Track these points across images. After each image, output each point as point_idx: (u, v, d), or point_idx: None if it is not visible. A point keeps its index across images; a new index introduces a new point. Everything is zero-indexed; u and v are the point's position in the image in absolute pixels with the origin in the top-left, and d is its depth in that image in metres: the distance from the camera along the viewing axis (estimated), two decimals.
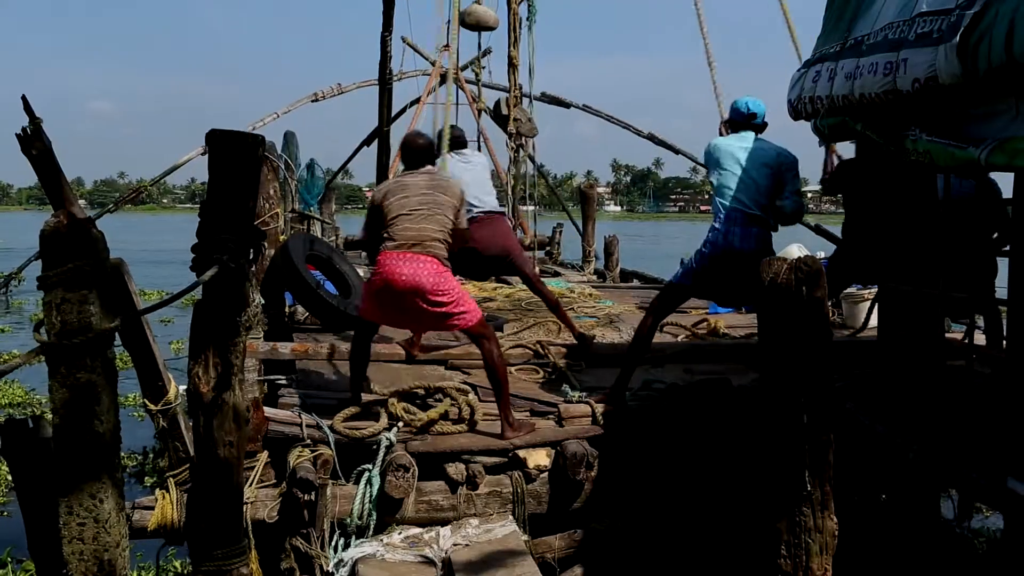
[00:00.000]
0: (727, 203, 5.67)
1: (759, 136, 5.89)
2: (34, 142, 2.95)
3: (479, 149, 15.85)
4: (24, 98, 2.95)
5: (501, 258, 7.42)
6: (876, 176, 5.61)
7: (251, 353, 6.12)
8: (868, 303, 8.27)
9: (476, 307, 5.51)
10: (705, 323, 8.50)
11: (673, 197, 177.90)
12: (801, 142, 6.63)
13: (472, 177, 7.51)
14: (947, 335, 6.04)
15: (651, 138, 18.30)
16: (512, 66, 13.14)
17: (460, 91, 18.17)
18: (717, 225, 5.69)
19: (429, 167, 5.75)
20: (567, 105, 19.72)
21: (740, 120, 5.95)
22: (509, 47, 13.31)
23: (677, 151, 17.65)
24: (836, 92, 5.05)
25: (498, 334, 7.82)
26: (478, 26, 14.37)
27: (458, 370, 6.78)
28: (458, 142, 8.16)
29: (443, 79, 20.87)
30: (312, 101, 19.42)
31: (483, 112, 16.08)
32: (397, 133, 17.72)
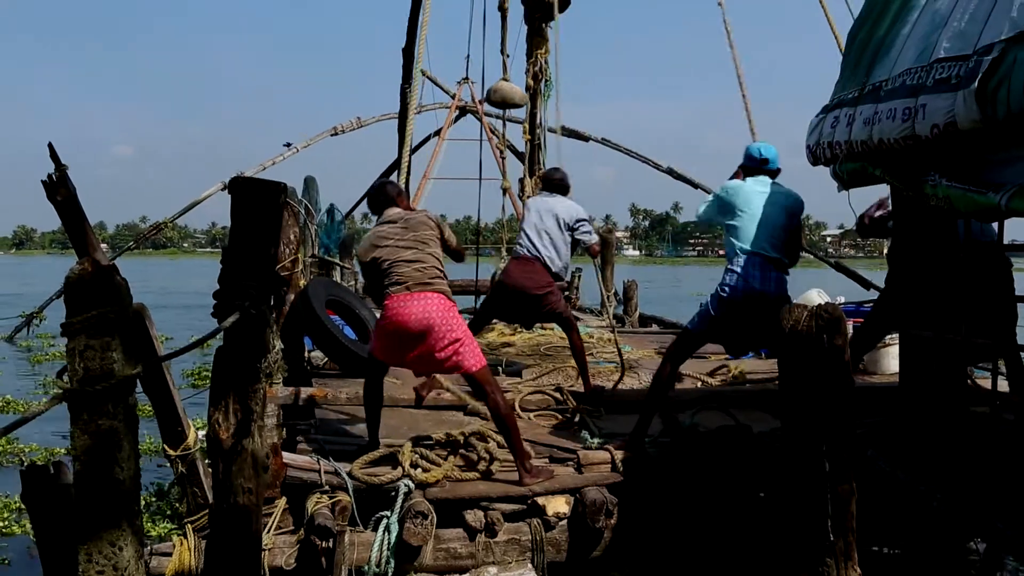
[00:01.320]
0: (746, 246, 5.66)
1: (774, 181, 5.91)
2: (59, 189, 2.99)
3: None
4: (51, 145, 2.99)
5: (536, 299, 7.33)
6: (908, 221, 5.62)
7: (270, 398, 6.11)
8: (889, 348, 8.22)
9: (481, 355, 5.54)
10: (725, 369, 8.45)
11: (692, 241, 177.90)
12: (817, 186, 6.64)
13: (541, 222, 7.43)
14: (970, 381, 5.99)
15: (670, 172, 18.36)
16: (534, 146, 13.34)
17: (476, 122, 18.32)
18: (736, 268, 5.66)
19: (394, 210, 5.82)
20: (586, 138, 19.82)
21: (753, 165, 5.98)
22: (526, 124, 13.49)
23: (696, 185, 17.70)
24: (855, 137, 5.05)
25: (517, 380, 7.83)
26: (504, 103, 13.98)
27: (477, 415, 6.75)
28: (549, 182, 7.91)
29: (462, 112, 21.01)
30: (332, 135, 19.55)
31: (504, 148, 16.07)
32: (418, 164, 17.86)
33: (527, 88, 13.45)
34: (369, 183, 21.41)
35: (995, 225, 5.87)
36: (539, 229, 7.36)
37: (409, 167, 16.13)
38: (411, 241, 5.54)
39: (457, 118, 21.35)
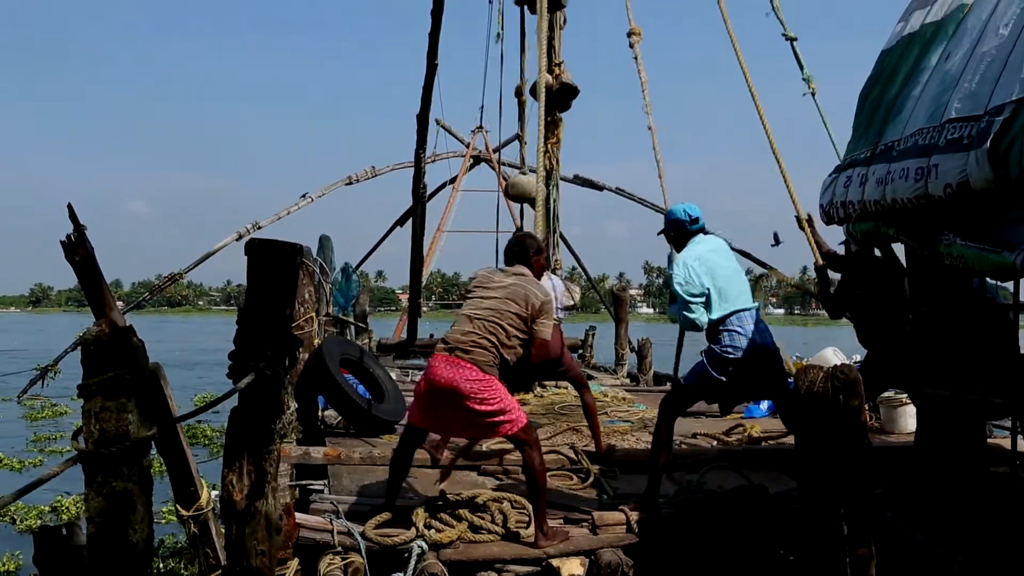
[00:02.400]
0: (737, 305, 5.61)
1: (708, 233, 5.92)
2: (78, 249, 3.01)
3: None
4: (70, 206, 3.03)
5: (554, 361, 7.37)
6: (902, 278, 5.61)
7: (284, 458, 6.10)
8: (906, 407, 8.17)
9: (522, 414, 5.44)
10: (740, 428, 8.39)
11: None
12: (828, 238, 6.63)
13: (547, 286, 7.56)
14: (989, 440, 5.93)
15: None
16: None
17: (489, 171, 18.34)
18: (736, 328, 5.58)
19: (521, 267, 5.74)
20: (600, 188, 19.92)
21: (685, 228, 5.91)
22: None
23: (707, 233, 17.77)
24: (868, 197, 5.07)
25: None
26: (522, 198, 13.67)
27: (491, 476, 6.71)
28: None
29: (476, 160, 21.12)
30: (346, 184, 19.67)
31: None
32: (432, 212, 17.95)
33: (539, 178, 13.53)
34: (382, 231, 21.52)
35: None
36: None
37: (424, 217, 16.18)
38: (491, 304, 5.46)
39: (471, 166, 21.48)
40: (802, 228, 6.95)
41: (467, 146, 21.36)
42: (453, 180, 22.12)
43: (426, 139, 12.55)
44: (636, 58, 12.66)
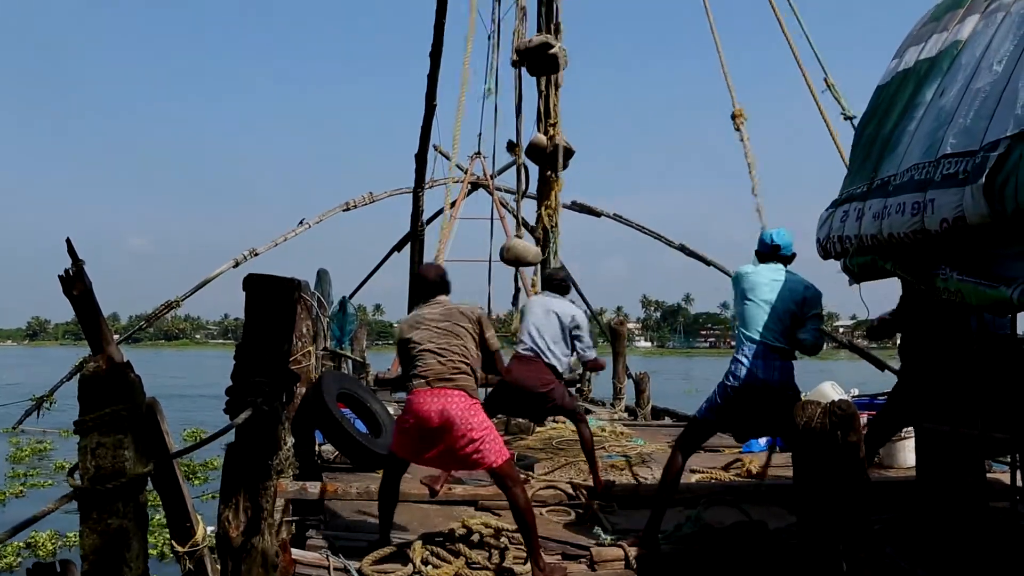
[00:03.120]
0: (752, 334, 5.67)
1: (787, 268, 5.93)
2: (76, 284, 3.01)
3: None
4: (68, 241, 3.03)
5: (540, 396, 7.36)
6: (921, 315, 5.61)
7: (280, 493, 6.07)
8: (905, 442, 8.14)
9: (504, 448, 5.45)
10: (739, 463, 8.36)
11: (703, 333, 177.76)
12: (829, 277, 6.66)
13: (543, 321, 7.53)
14: (988, 475, 5.90)
15: (682, 248, 18.42)
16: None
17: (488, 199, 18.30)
18: (741, 358, 5.67)
19: (442, 297, 5.78)
20: (598, 214, 19.90)
21: (766, 252, 6.00)
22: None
23: (708, 262, 17.75)
24: (864, 232, 5.08)
25: (529, 474, 7.75)
26: (517, 262, 12.88)
27: (488, 511, 6.67)
28: (551, 282, 8.02)
29: (473, 187, 21.06)
30: (344, 210, 19.57)
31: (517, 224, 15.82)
32: (430, 238, 17.87)
33: (537, 242, 13.41)
34: (380, 256, 21.41)
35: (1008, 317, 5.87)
36: (541, 328, 7.45)
37: (422, 253, 16.12)
38: (445, 330, 5.51)
39: (469, 192, 21.43)
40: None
41: (465, 172, 21.30)
42: (451, 205, 22.08)
43: (424, 178, 12.62)
44: (743, 139, 11.99)
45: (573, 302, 7.91)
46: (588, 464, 7.41)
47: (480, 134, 19.53)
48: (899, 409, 6.39)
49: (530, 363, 7.36)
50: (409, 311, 5.91)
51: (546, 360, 7.39)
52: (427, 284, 5.82)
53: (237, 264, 16.65)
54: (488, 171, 19.81)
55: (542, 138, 11.82)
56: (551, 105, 12.64)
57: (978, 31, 4.75)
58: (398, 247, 20.52)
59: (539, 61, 12.16)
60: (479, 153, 21.39)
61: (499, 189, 18.77)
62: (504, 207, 18.26)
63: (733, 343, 6.06)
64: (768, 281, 5.80)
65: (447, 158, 21.30)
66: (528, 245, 12.27)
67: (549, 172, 12.68)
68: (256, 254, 17.12)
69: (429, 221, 18.68)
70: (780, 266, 5.92)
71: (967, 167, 4.20)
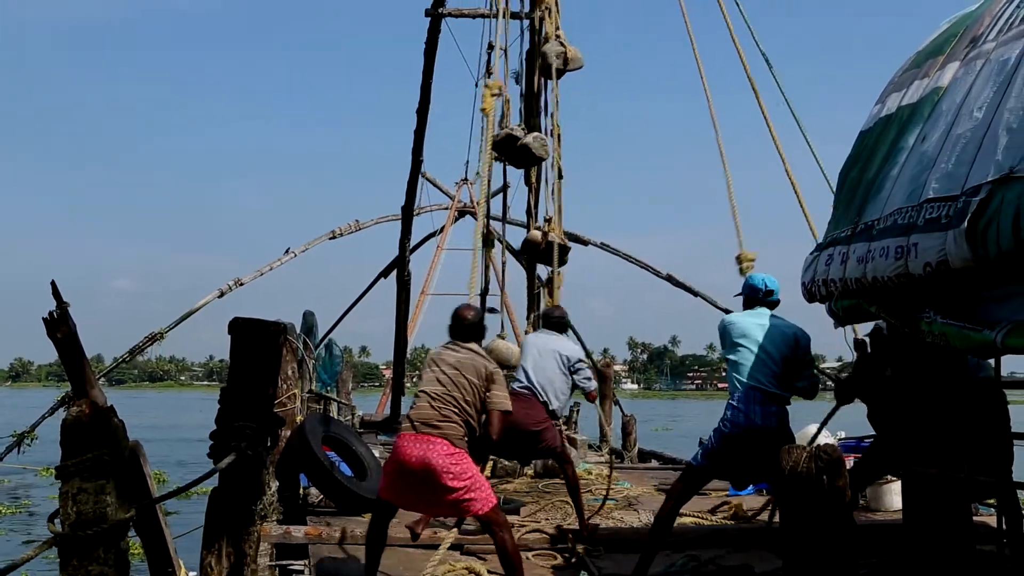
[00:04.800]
0: (745, 380, 5.68)
1: (774, 313, 5.96)
2: (60, 326, 3.00)
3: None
4: (53, 283, 3.02)
5: (532, 435, 7.31)
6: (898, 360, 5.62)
7: (264, 537, 6.01)
8: (891, 485, 8.13)
9: (491, 494, 5.42)
10: (726, 506, 8.32)
11: (690, 375, 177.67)
12: (814, 319, 6.69)
13: (540, 359, 7.50)
14: (975, 518, 5.89)
15: (669, 279, 18.43)
16: None
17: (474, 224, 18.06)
18: (736, 403, 5.68)
19: (472, 344, 5.76)
20: (585, 243, 19.87)
21: (755, 297, 6.03)
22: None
23: (695, 293, 17.76)
24: (849, 275, 5.10)
25: (515, 517, 7.70)
26: (499, 365, 12.35)
27: (474, 555, 6.62)
28: (548, 320, 8.01)
29: (461, 213, 20.94)
30: (330, 239, 19.43)
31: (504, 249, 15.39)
32: (415, 267, 17.72)
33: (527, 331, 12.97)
34: (366, 282, 21.20)
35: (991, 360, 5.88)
36: (538, 366, 7.41)
37: (407, 303, 16.00)
38: (451, 379, 5.48)
39: (457, 219, 21.35)
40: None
41: (452, 199, 21.15)
42: (436, 233, 21.93)
43: (411, 231, 12.51)
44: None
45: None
46: (574, 507, 7.37)
47: (468, 161, 19.57)
48: (884, 454, 6.38)
49: (525, 401, 7.31)
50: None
51: (541, 399, 7.36)
52: (461, 326, 5.81)
53: (222, 294, 16.46)
54: (476, 198, 19.78)
55: (537, 234, 10.80)
56: (552, 197, 11.30)
57: (958, 78, 4.82)
58: (384, 273, 20.35)
59: (515, 154, 11.06)
60: (466, 179, 21.35)
61: (491, 218, 18.56)
62: (494, 235, 17.94)
63: (720, 385, 6.09)
64: (758, 327, 5.83)
65: (434, 184, 21.19)
66: (511, 347, 11.51)
67: (552, 272, 11.36)
68: (241, 284, 16.91)
69: (414, 249, 18.54)
70: (766, 311, 5.96)
71: (949, 211, 4.24)
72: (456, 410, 5.40)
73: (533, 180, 12.51)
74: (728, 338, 5.88)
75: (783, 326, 5.87)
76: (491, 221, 17.81)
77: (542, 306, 12.17)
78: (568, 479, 7.43)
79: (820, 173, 9.54)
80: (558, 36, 10.83)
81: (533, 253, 11.11)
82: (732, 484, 6.50)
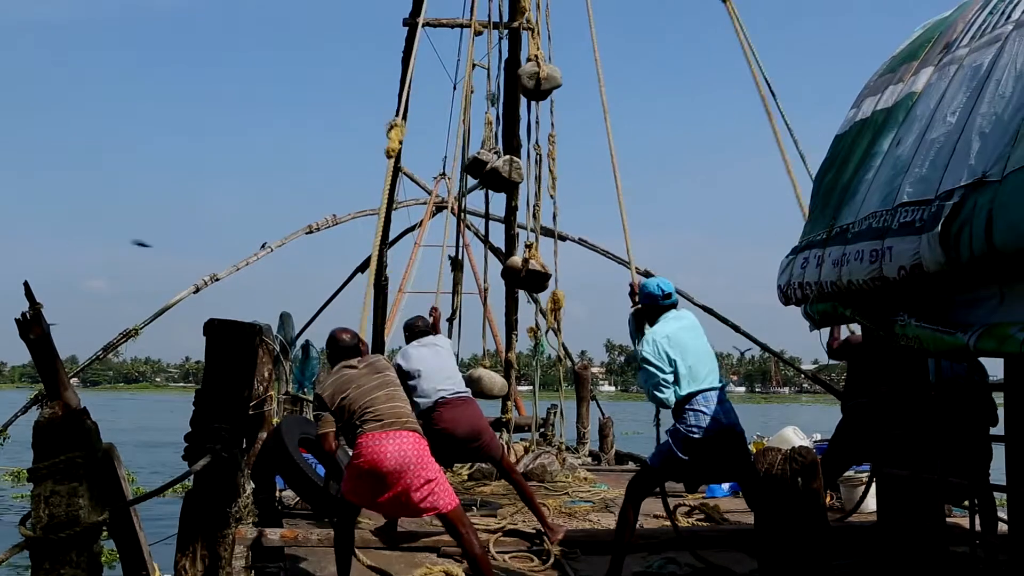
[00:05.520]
0: (703, 385, 5.70)
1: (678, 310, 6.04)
2: (33, 327, 2.97)
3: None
4: (26, 284, 2.99)
5: (470, 440, 7.31)
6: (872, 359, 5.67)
7: (239, 540, 5.98)
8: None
9: (453, 493, 5.50)
10: (703, 507, 8.35)
11: None
12: (791, 322, 6.75)
13: (439, 363, 7.54)
14: (948, 520, 5.94)
15: (647, 276, 18.46)
16: None
17: (454, 227, 17.89)
18: (699, 408, 5.65)
19: (356, 359, 5.84)
20: (563, 238, 19.83)
21: (657, 303, 6.04)
22: None
23: (675, 290, 17.75)
24: (824, 278, 5.13)
25: (492, 519, 7.70)
26: (482, 395, 11.08)
27: (450, 557, 6.60)
28: (415, 331, 7.97)
29: (438, 208, 20.77)
30: (307, 233, 19.21)
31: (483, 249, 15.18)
32: (392, 263, 17.58)
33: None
34: (344, 277, 21.05)
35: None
36: (444, 367, 7.46)
37: (384, 268, 15.86)
38: (381, 380, 5.60)
39: (433, 214, 21.21)
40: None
41: (430, 193, 20.95)
42: (414, 228, 21.77)
43: (388, 236, 12.24)
44: None
45: None
46: (532, 509, 7.27)
47: (445, 157, 19.45)
48: (847, 447, 6.44)
49: (455, 406, 7.35)
50: (333, 365, 5.87)
51: (462, 394, 7.47)
52: (343, 348, 5.90)
53: (198, 290, 16.22)
54: (453, 192, 19.65)
55: (516, 260, 10.32)
56: (530, 222, 10.77)
57: (932, 83, 4.86)
58: (361, 268, 20.19)
59: (487, 178, 10.62)
60: (444, 174, 21.23)
61: (469, 213, 18.38)
62: (469, 229, 17.65)
63: None
64: (683, 329, 5.87)
65: (411, 179, 20.95)
66: (494, 377, 11.01)
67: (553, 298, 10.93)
68: (217, 279, 16.68)
69: (392, 243, 18.39)
70: (674, 311, 6.01)
71: (923, 215, 4.27)
72: (405, 402, 5.60)
73: (514, 203, 12.21)
74: (670, 352, 5.80)
75: (691, 319, 5.97)
76: (471, 217, 17.62)
77: (541, 325, 12.01)
78: (516, 483, 7.41)
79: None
80: (537, 56, 10.13)
81: (513, 279, 10.70)
82: (686, 487, 6.48)
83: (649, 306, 6.05)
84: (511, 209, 12.25)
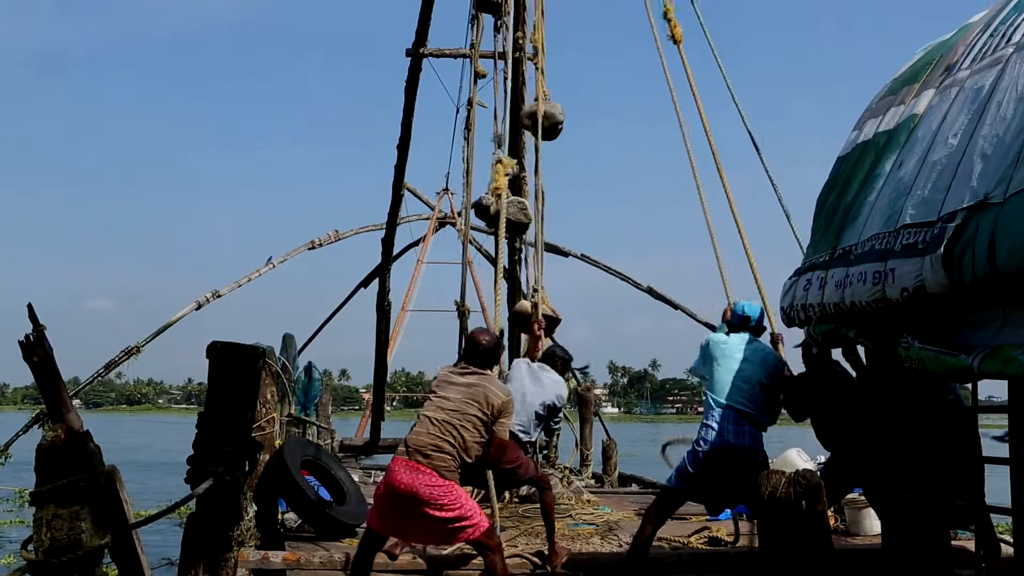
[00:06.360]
0: (722, 400, 5.73)
1: (755, 338, 6.03)
2: (36, 349, 2.98)
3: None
4: (30, 306, 3.00)
5: (509, 472, 7.23)
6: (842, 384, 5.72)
7: (241, 562, 5.95)
8: (871, 509, 8.14)
9: (484, 518, 5.42)
10: (706, 531, 8.31)
11: (670, 399, 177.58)
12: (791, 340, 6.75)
13: (525, 395, 7.08)
14: (953, 543, 5.91)
15: (650, 291, 18.46)
16: None
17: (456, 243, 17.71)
18: (711, 423, 5.71)
19: (486, 371, 5.67)
20: (565, 254, 19.80)
21: (737, 323, 6.12)
22: None
23: (675, 306, 17.80)
24: (827, 300, 5.14)
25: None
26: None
27: None
28: (548, 357, 7.65)
29: (441, 224, 20.71)
30: (309, 249, 19.20)
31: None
32: (395, 279, 17.48)
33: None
34: (346, 293, 20.88)
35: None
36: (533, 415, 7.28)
37: (387, 334, 15.85)
38: (455, 407, 5.41)
39: (436, 229, 21.18)
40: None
41: (433, 209, 20.90)
42: (417, 243, 21.72)
43: (391, 260, 12.11)
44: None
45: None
46: (547, 532, 7.26)
47: (448, 173, 19.46)
48: (844, 470, 6.42)
49: None
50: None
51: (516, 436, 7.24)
52: (476, 351, 5.70)
53: (200, 306, 16.23)
54: (456, 208, 19.60)
55: (526, 305, 9.67)
56: (534, 269, 10.32)
57: (933, 105, 4.88)
58: (364, 283, 20.16)
59: (493, 221, 10.09)
60: (447, 189, 21.19)
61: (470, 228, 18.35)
62: (471, 244, 17.58)
63: (700, 409, 6.12)
64: (739, 349, 5.90)
65: (415, 194, 20.94)
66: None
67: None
68: (219, 295, 16.69)
69: (396, 258, 18.37)
70: (748, 335, 6.04)
71: (926, 237, 4.27)
72: (452, 440, 5.32)
73: (518, 245, 11.84)
74: (710, 354, 5.95)
75: (764, 350, 5.94)
76: (473, 231, 17.54)
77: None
78: (544, 503, 7.37)
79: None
80: (545, 94, 9.87)
81: (524, 325, 9.80)
82: (707, 508, 6.49)
83: (731, 323, 6.24)
84: (514, 250, 11.87)
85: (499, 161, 9.37)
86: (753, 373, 5.83)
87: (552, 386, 7.27)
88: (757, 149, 9.91)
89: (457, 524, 5.26)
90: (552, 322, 9.62)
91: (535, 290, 9.75)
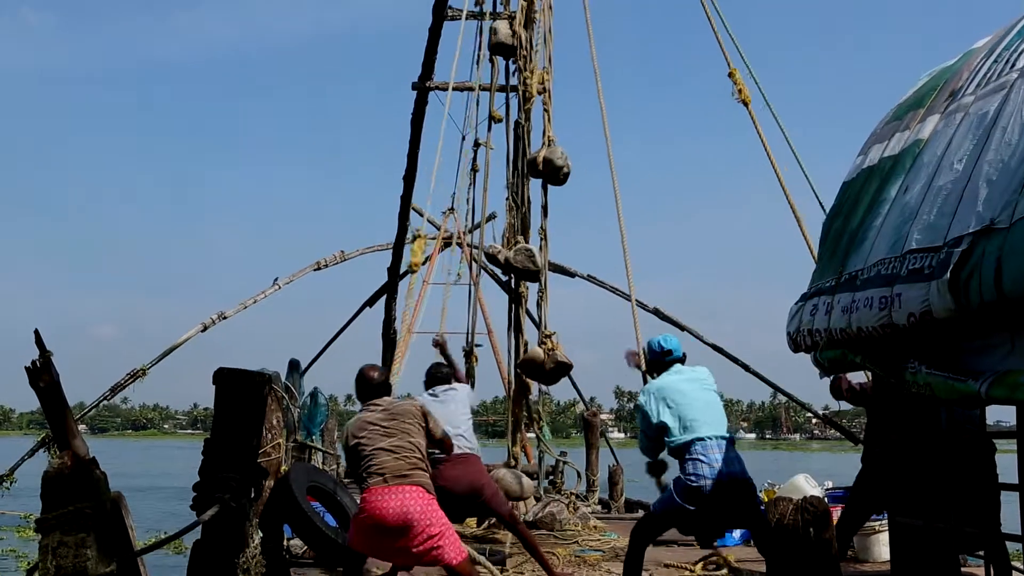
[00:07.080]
0: (705, 433, 5.70)
1: (683, 366, 6.08)
2: (42, 375, 2.98)
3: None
4: (37, 332, 3.01)
5: (472, 497, 7.25)
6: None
7: None
8: (879, 535, 8.09)
9: (461, 545, 5.50)
10: (716, 557, 8.26)
11: None
12: (802, 368, 6.73)
13: (446, 417, 7.10)
14: (963, 570, 5.87)
15: (656, 312, 18.42)
16: None
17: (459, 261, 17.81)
18: (700, 457, 5.64)
19: (384, 399, 5.81)
20: (572, 274, 19.79)
21: (657, 359, 6.10)
22: None
23: (682, 327, 17.74)
24: (834, 325, 5.13)
25: (499, 568, 7.63)
26: (509, 495, 9.71)
27: None
28: (435, 379, 7.93)
29: (446, 244, 20.74)
30: (315, 270, 19.22)
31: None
32: (402, 304, 17.49)
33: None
34: (350, 313, 20.92)
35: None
36: (456, 423, 7.36)
37: (395, 332, 15.83)
38: (393, 429, 5.53)
39: (441, 249, 21.20)
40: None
41: (438, 228, 20.91)
42: (423, 262, 21.74)
43: (396, 288, 12.07)
44: None
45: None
46: (539, 562, 7.21)
47: (454, 193, 19.50)
48: (866, 497, 6.39)
49: (456, 463, 7.20)
50: (361, 402, 5.86)
51: (463, 451, 7.28)
52: (370, 386, 5.84)
53: (205, 328, 16.24)
54: (462, 228, 19.61)
55: (539, 352, 9.43)
56: (540, 315, 10.06)
57: (939, 130, 4.89)
58: (370, 302, 20.18)
59: (504, 267, 10.17)
60: (452, 209, 21.21)
61: (475, 247, 18.27)
62: (476, 262, 17.47)
63: None
64: (683, 381, 5.91)
65: (420, 215, 20.94)
66: (522, 477, 9.98)
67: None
68: (225, 317, 16.70)
69: (402, 277, 18.37)
70: (679, 365, 6.06)
71: (932, 262, 4.27)
72: (418, 457, 5.48)
73: (522, 290, 11.45)
74: (664, 401, 5.84)
75: (699, 372, 6.01)
76: (477, 251, 17.47)
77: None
78: (522, 536, 7.36)
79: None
80: (550, 140, 9.67)
81: (535, 373, 9.87)
82: (698, 540, 6.41)
83: (653, 362, 6.12)
84: (518, 296, 11.63)
85: (417, 237, 9.47)
86: (708, 396, 5.89)
87: (458, 397, 7.70)
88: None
89: (439, 541, 5.35)
90: (564, 368, 9.48)
91: (548, 336, 9.52)
